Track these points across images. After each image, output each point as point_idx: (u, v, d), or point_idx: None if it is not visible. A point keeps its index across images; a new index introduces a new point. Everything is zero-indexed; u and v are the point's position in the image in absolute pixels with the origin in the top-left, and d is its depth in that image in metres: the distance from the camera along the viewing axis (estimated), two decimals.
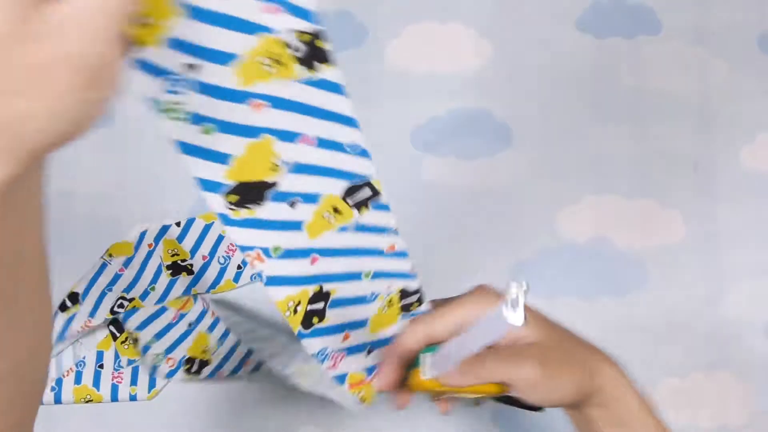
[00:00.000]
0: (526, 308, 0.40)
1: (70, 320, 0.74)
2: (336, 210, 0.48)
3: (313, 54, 0.44)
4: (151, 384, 0.75)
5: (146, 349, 0.74)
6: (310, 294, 0.48)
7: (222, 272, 0.76)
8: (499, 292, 0.51)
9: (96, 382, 0.75)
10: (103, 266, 0.76)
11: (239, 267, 0.76)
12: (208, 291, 0.75)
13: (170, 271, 0.76)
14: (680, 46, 0.80)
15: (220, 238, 0.76)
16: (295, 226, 0.46)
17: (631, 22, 0.81)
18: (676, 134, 0.79)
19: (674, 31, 0.81)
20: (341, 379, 0.51)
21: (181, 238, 0.77)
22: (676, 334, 0.75)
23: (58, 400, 0.74)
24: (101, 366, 0.75)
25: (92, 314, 0.74)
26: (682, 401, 0.74)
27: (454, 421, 0.75)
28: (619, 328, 0.75)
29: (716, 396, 0.74)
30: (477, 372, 0.49)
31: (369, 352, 0.52)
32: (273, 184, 0.44)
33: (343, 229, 0.48)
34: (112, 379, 0.75)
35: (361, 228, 0.49)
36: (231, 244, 0.76)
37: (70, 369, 0.75)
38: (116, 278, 0.76)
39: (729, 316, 0.76)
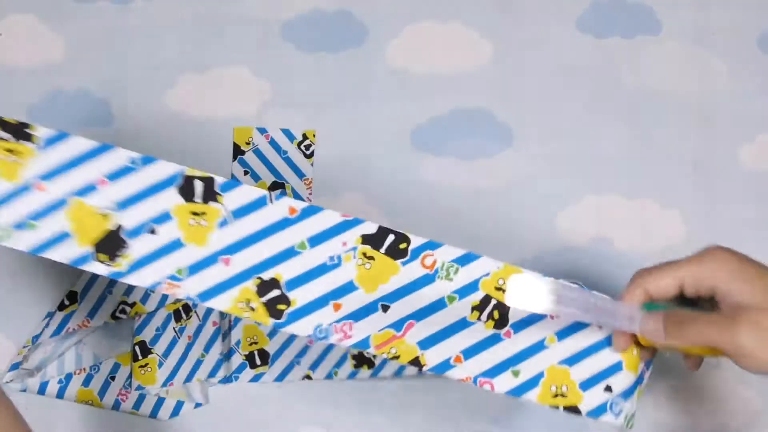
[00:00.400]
0: (743, 262, 0.47)
1: (67, 318, 0.74)
2: (195, 213, 0.50)
3: None
4: (154, 413, 0.75)
5: (166, 382, 0.74)
6: (254, 288, 0.50)
7: None
8: (733, 253, 0.50)
9: (102, 392, 0.75)
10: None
11: None
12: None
13: None
14: (680, 46, 0.80)
15: None
16: (175, 245, 0.49)
17: (631, 22, 0.81)
18: (676, 134, 0.79)
19: (674, 31, 0.80)
20: (364, 344, 0.51)
21: None
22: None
23: (60, 395, 0.74)
24: (113, 378, 0.75)
25: (91, 315, 0.74)
26: (682, 401, 0.74)
27: (454, 421, 0.75)
28: None
29: (716, 396, 0.74)
30: (685, 334, 0.49)
31: (385, 308, 0.52)
32: (118, 228, 0.49)
33: (223, 223, 0.50)
34: (118, 395, 0.74)
35: (238, 212, 0.50)
36: None
37: (83, 370, 0.75)
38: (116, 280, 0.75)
39: None
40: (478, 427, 0.75)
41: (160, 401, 0.75)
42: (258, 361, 0.75)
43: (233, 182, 0.51)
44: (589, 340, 0.53)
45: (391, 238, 0.52)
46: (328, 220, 0.51)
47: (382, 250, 0.52)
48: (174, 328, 0.75)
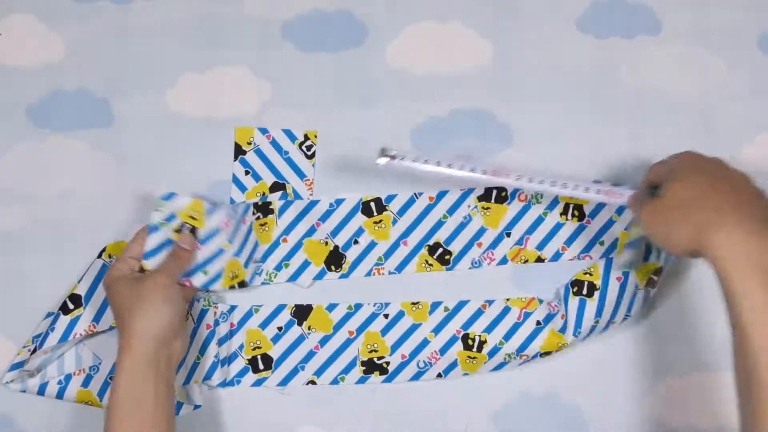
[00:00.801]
0: (674, 165, 0.61)
1: (74, 323, 0.74)
2: (376, 222, 0.78)
3: None
4: None
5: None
6: (426, 252, 0.77)
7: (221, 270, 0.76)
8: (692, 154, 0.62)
9: (101, 393, 0.75)
10: (104, 268, 0.76)
11: None
12: (206, 288, 0.75)
13: None
14: (680, 46, 0.80)
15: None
16: (372, 245, 0.78)
17: (631, 22, 0.81)
18: (676, 134, 0.79)
19: (674, 31, 0.80)
20: (504, 260, 0.77)
21: None
22: (676, 334, 0.75)
23: (60, 396, 0.74)
24: (112, 378, 0.75)
25: (96, 320, 0.74)
26: (682, 401, 0.74)
27: (454, 421, 0.75)
28: (619, 328, 0.74)
29: (716, 396, 0.74)
30: (633, 208, 0.65)
31: (508, 235, 0.77)
32: (335, 248, 0.77)
33: (394, 221, 0.78)
34: None
35: (400, 212, 0.78)
36: None
37: (82, 370, 0.75)
38: None
39: None
40: (478, 427, 0.75)
41: None
42: (261, 366, 0.75)
43: (392, 196, 0.77)
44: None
45: (494, 192, 0.77)
46: (454, 196, 0.77)
47: (492, 201, 0.77)
48: None
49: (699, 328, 0.76)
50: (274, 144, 0.79)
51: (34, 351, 0.73)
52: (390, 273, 0.76)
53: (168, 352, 0.67)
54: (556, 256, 0.76)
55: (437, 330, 0.75)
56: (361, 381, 0.75)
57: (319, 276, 0.76)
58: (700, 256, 0.56)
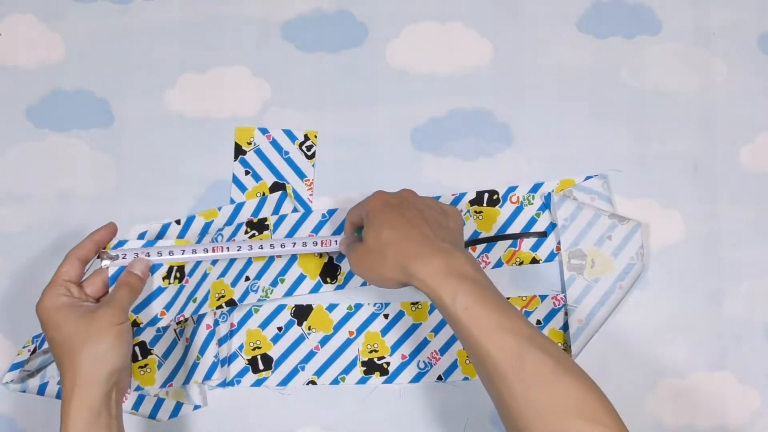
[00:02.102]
0: (366, 212, 0.66)
1: None
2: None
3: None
4: (153, 414, 0.74)
5: (165, 383, 0.74)
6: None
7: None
8: (379, 199, 0.67)
9: None
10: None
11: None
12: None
13: None
14: (680, 46, 0.80)
15: (219, 235, 0.76)
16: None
17: (631, 22, 0.81)
18: (676, 134, 0.79)
19: (674, 31, 0.80)
20: (499, 263, 0.77)
21: (181, 236, 0.77)
22: (676, 334, 0.75)
23: (60, 395, 0.74)
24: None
25: None
26: (682, 401, 0.74)
27: (453, 421, 0.75)
28: (619, 328, 0.74)
29: (716, 396, 0.75)
30: (345, 251, 0.69)
31: (502, 238, 0.77)
32: (330, 260, 0.76)
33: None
34: None
35: None
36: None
37: None
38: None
39: (729, 316, 0.76)
40: (478, 428, 0.75)
41: (160, 402, 0.75)
42: (261, 366, 0.75)
43: None
44: None
45: (486, 195, 0.77)
46: (446, 202, 0.76)
47: (484, 204, 0.77)
48: (175, 330, 0.75)
49: (698, 328, 0.76)
50: (274, 144, 0.79)
51: (34, 351, 0.73)
52: None
53: (119, 391, 0.65)
54: (551, 257, 0.76)
55: (437, 330, 0.75)
56: (362, 381, 0.75)
57: (315, 289, 0.75)
58: (409, 285, 0.63)
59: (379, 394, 0.75)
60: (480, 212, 0.77)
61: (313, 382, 0.75)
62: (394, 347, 0.76)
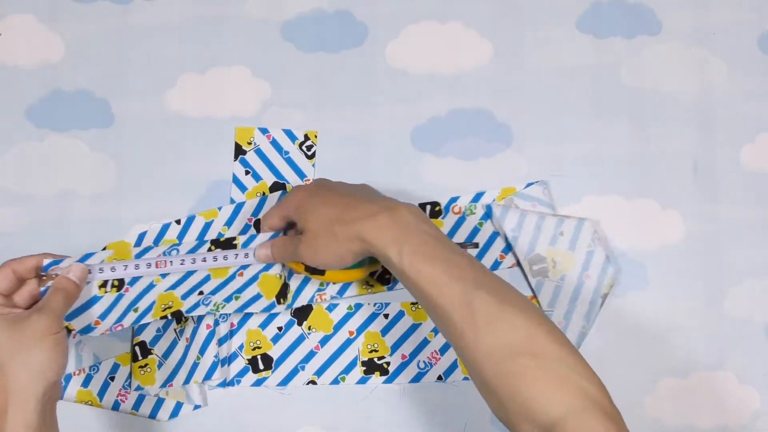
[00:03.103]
0: (295, 206, 0.68)
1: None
2: None
3: None
4: (153, 414, 0.75)
5: (166, 383, 0.74)
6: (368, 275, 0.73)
7: None
8: (304, 189, 0.69)
9: (101, 393, 0.75)
10: None
11: None
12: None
13: None
14: (680, 46, 0.80)
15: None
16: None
17: (631, 22, 0.81)
18: (676, 134, 0.79)
19: (674, 31, 0.80)
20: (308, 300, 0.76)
21: (181, 236, 0.77)
22: (676, 334, 0.75)
23: (60, 396, 0.74)
24: (112, 378, 0.75)
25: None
26: (682, 401, 0.74)
27: (453, 421, 0.75)
28: (619, 328, 0.74)
29: (716, 396, 0.75)
30: (281, 254, 0.70)
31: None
32: (285, 281, 0.74)
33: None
34: (117, 396, 0.74)
35: None
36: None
37: (82, 370, 0.75)
38: None
39: (729, 316, 0.76)
40: (478, 427, 0.75)
41: (160, 402, 0.75)
42: (261, 366, 0.75)
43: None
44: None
45: (428, 207, 0.77)
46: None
47: (427, 215, 0.73)
48: (175, 330, 0.75)
49: (699, 328, 0.76)
50: (274, 144, 0.79)
51: None
52: (332, 297, 0.76)
53: (54, 401, 0.60)
54: (495, 265, 0.76)
55: (437, 330, 0.75)
56: (362, 381, 0.75)
57: (267, 309, 0.71)
58: (365, 256, 0.65)
59: (379, 394, 0.75)
60: None
61: (313, 382, 0.75)
62: (394, 347, 0.76)
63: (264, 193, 0.78)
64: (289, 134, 0.79)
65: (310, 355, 0.75)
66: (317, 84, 0.80)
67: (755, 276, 0.76)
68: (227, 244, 0.73)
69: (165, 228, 0.77)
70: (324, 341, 0.76)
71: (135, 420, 0.75)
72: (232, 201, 0.78)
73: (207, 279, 0.72)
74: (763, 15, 0.81)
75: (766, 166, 0.78)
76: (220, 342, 0.75)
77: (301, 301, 0.75)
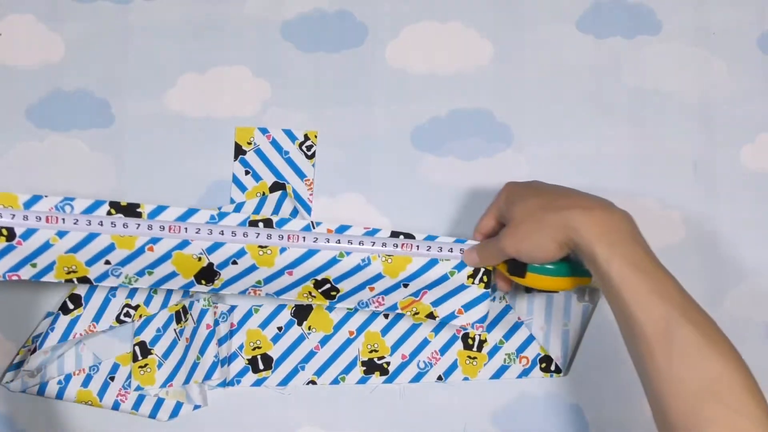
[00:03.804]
0: (504, 199, 0.66)
1: (73, 323, 0.74)
2: (261, 247, 0.69)
3: None
4: (153, 414, 0.75)
5: (165, 383, 0.74)
6: (311, 285, 0.70)
7: None
8: (516, 183, 0.68)
9: (101, 393, 0.75)
10: None
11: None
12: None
13: None
14: (680, 46, 0.80)
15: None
16: (252, 268, 0.69)
17: (631, 22, 0.81)
18: (676, 134, 0.79)
19: (674, 31, 0.80)
20: (393, 307, 0.71)
21: None
22: None
23: (60, 396, 0.74)
24: (112, 378, 0.75)
25: (96, 319, 0.74)
26: None
27: (454, 421, 0.75)
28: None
29: None
30: (485, 256, 0.67)
31: (405, 286, 0.70)
32: (210, 265, 0.69)
33: (283, 250, 0.69)
34: (117, 396, 0.74)
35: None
36: None
37: (82, 370, 0.75)
38: None
39: (729, 316, 0.76)
40: (478, 428, 0.75)
41: (160, 402, 0.75)
42: (261, 366, 0.75)
43: (285, 219, 0.69)
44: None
45: (401, 237, 0.69)
46: (356, 232, 0.69)
47: (398, 255, 0.69)
48: (175, 330, 0.75)
49: None
50: (274, 144, 0.79)
51: (34, 351, 0.73)
52: (267, 295, 0.71)
53: None
54: (450, 317, 0.71)
55: (437, 330, 0.75)
56: (362, 381, 0.75)
57: (187, 287, 0.69)
58: (565, 254, 0.62)
59: (379, 394, 0.75)
60: (391, 256, 0.70)
61: (313, 382, 0.75)
62: (394, 347, 0.76)
63: (264, 193, 0.78)
64: (289, 134, 0.79)
65: (310, 355, 0.75)
66: (317, 84, 0.80)
67: (755, 276, 0.76)
68: (130, 209, 0.68)
69: None
70: (324, 341, 0.76)
71: (135, 420, 0.75)
72: (232, 201, 0.78)
73: (112, 248, 0.68)
74: (763, 15, 0.81)
75: (766, 166, 0.78)
76: (220, 342, 0.75)
77: (233, 290, 0.70)
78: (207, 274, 0.69)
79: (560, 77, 0.80)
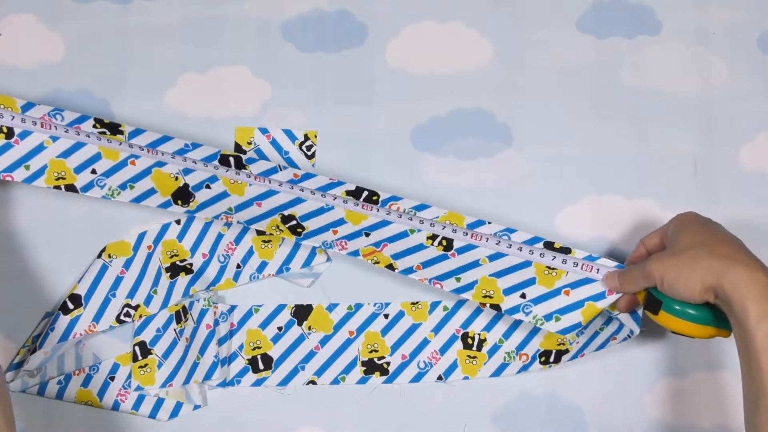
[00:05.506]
0: (675, 223, 0.65)
1: (73, 322, 0.74)
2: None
3: None
4: (153, 414, 0.75)
5: (165, 383, 0.74)
6: (279, 219, 0.73)
7: (222, 271, 0.76)
8: (693, 214, 0.67)
9: (101, 393, 0.75)
10: (104, 268, 0.76)
11: (238, 266, 0.76)
12: (207, 289, 0.75)
13: (169, 273, 0.76)
14: (680, 46, 0.80)
15: (220, 236, 0.76)
16: (224, 194, 0.74)
17: (631, 22, 0.81)
18: (676, 134, 0.79)
19: (674, 31, 0.81)
20: (355, 253, 0.72)
21: (181, 236, 0.77)
22: (678, 336, 0.75)
23: (60, 396, 0.74)
24: (112, 378, 0.75)
25: (96, 319, 0.74)
26: (682, 401, 0.74)
27: (454, 421, 0.75)
28: (619, 327, 0.74)
29: (716, 396, 0.75)
30: (626, 282, 0.66)
31: (367, 234, 0.73)
32: (186, 186, 0.74)
33: (252, 182, 0.75)
34: (117, 396, 0.74)
35: (261, 175, 0.74)
36: (230, 242, 0.76)
37: (82, 370, 0.75)
38: (118, 282, 0.75)
39: None
40: (478, 428, 0.75)
41: (160, 402, 0.75)
42: (261, 366, 0.75)
43: (252, 159, 0.73)
44: (514, 261, 0.72)
45: (365, 193, 0.73)
46: (320, 181, 0.73)
47: (361, 200, 0.73)
48: (174, 329, 0.75)
49: None
50: (274, 144, 0.79)
51: (34, 351, 0.73)
52: (239, 222, 0.73)
53: None
54: (408, 271, 0.72)
55: (437, 329, 0.76)
56: (362, 381, 0.75)
57: (164, 206, 0.73)
58: (706, 300, 0.60)
59: (379, 394, 0.75)
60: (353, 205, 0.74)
61: (313, 382, 0.75)
62: (394, 347, 0.76)
63: None
64: (289, 134, 0.79)
65: (310, 355, 0.75)
66: (317, 84, 0.80)
67: None
68: (112, 127, 0.73)
69: (165, 228, 0.77)
70: (324, 341, 0.76)
71: (135, 420, 0.75)
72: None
73: (98, 157, 0.74)
74: (763, 15, 0.81)
75: (766, 166, 0.78)
76: (220, 342, 0.75)
77: (207, 213, 0.73)
78: (183, 195, 0.74)
79: (560, 77, 0.80)
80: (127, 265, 0.76)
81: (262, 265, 0.76)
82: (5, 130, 0.73)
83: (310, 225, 0.73)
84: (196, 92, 0.80)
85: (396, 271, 0.72)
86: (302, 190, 0.73)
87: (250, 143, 0.79)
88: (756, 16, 0.81)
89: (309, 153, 0.79)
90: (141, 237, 0.77)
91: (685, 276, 0.60)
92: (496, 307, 0.70)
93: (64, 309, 0.74)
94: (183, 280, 0.75)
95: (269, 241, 0.76)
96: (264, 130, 0.79)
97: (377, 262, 0.72)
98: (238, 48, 0.81)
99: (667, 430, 0.74)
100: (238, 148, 0.79)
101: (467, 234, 0.72)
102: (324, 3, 0.81)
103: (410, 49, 0.81)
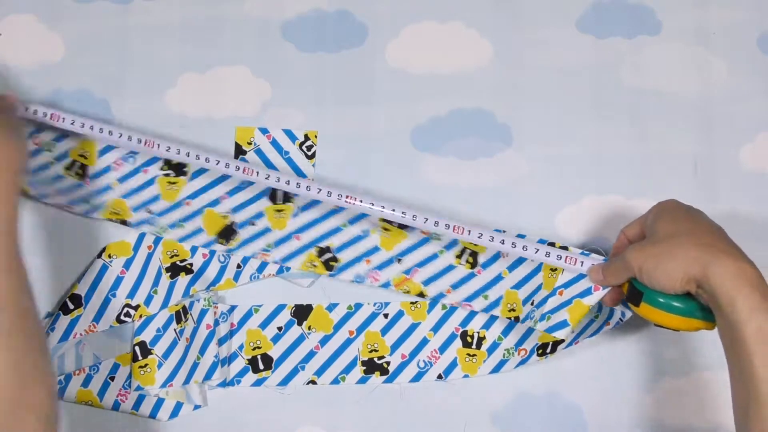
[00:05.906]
0: (655, 211, 0.63)
1: (74, 323, 0.74)
2: (278, 210, 0.77)
3: None
4: (153, 414, 0.75)
5: (166, 383, 0.74)
6: (315, 253, 0.76)
7: (222, 271, 0.76)
8: (673, 201, 0.65)
9: (101, 393, 0.75)
10: (104, 268, 0.76)
11: (239, 266, 0.76)
12: (207, 289, 0.75)
13: (169, 273, 0.76)
14: (680, 46, 0.80)
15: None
16: (266, 230, 0.77)
17: (631, 22, 0.81)
18: (676, 134, 0.79)
19: (674, 31, 0.81)
20: (386, 285, 0.75)
21: (181, 236, 0.77)
22: (676, 334, 0.75)
23: (60, 396, 0.74)
24: (112, 378, 0.75)
25: (96, 320, 0.74)
26: (682, 401, 0.74)
27: (454, 421, 0.75)
28: (619, 327, 0.74)
29: (716, 396, 0.75)
30: (610, 274, 0.64)
31: (399, 261, 0.76)
32: (232, 223, 0.77)
33: (295, 214, 0.77)
34: (117, 396, 0.74)
35: (304, 207, 0.77)
36: None
37: (82, 370, 0.75)
38: (118, 282, 0.76)
39: None
40: (478, 427, 0.75)
41: (160, 402, 0.75)
42: (261, 366, 0.75)
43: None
44: (528, 269, 0.74)
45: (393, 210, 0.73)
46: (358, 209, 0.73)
47: (395, 224, 0.76)
48: (175, 330, 0.75)
49: None
50: (274, 144, 0.79)
51: None
52: (274, 262, 0.76)
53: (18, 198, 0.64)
54: (439, 297, 0.75)
55: (436, 328, 0.76)
56: (362, 381, 0.75)
57: (206, 245, 0.76)
58: (687, 290, 0.59)
59: (379, 393, 0.75)
60: (388, 230, 0.77)
61: (313, 382, 0.75)
62: (394, 347, 0.76)
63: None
64: (289, 134, 0.79)
65: (310, 355, 0.75)
66: (317, 84, 0.80)
67: None
68: (178, 168, 0.78)
69: None
70: (324, 341, 0.76)
71: (135, 420, 0.75)
72: None
73: (156, 198, 0.77)
74: (763, 15, 0.81)
75: (766, 166, 0.78)
76: (220, 342, 0.75)
77: (245, 252, 0.76)
78: (227, 233, 0.76)
79: (560, 77, 0.80)
80: (128, 265, 0.76)
81: (262, 265, 0.76)
82: (80, 172, 0.77)
83: (344, 256, 0.76)
84: (196, 92, 0.80)
85: (426, 298, 0.75)
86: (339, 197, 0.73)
87: (250, 143, 0.79)
88: (756, 16, 0.81)
89: (309, 153, 0.79)
90: (141, 237, 0.77)
91: (665, 266, 0.58)
92: (517, 319, 0.73)
93: (64, 309, 0.74)
94: (183, 280, 0.75)
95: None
96: (264, 130, 0.79)
97: (408, 291, 0.75)
98: (238, 48, 0.81)
99: (666, 430, 0.74)
100: (238, 148, 0.79)
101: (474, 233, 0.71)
102: (324, 3, 0.81)
103: (410, 49, 0.81)
